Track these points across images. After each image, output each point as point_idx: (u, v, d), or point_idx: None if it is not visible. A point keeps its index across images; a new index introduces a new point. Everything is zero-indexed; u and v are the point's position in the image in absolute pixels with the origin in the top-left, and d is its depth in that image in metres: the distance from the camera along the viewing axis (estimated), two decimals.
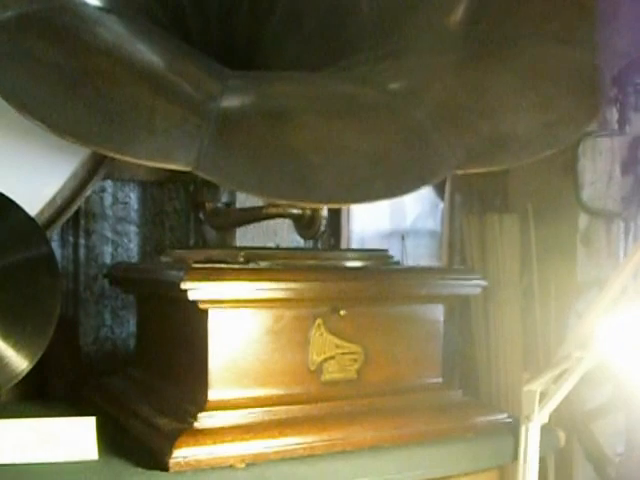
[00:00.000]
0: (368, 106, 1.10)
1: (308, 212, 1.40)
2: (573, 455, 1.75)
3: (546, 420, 1.26)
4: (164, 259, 1.37)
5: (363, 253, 1.39)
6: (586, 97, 1.12)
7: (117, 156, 0.91)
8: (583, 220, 1.83)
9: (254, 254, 1.25)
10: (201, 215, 1.56)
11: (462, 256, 1.96)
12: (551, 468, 1.66)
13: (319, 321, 1.25)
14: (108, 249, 1.70)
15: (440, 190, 1.95)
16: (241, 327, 1.20)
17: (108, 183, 1.68)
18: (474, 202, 2.00)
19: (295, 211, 1.41)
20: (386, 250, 1.43)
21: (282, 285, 1.20)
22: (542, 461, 1.39)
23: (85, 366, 1.61)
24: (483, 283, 1.37)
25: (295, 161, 0.96)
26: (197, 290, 1.13)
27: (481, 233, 1.93)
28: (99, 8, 1.07)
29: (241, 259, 1.23)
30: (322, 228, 1.40)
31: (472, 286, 1.37)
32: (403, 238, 1.86)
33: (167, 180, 1.73)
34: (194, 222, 1.76)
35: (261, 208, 1.53)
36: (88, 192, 1.57)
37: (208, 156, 0.90)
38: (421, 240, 1.94)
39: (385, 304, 1.31)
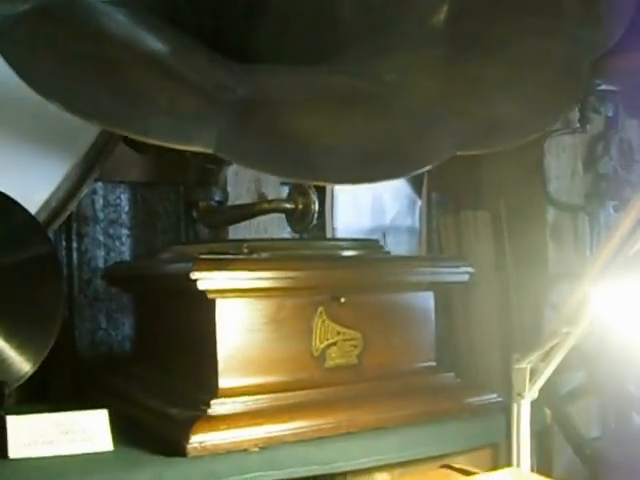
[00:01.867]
0: (368, 95, 1.12)
1: (300, 206, 1.40)
2: (553, 437, 1.77)
3: (536, 396, 1.28)
4: (164, 255, 1.36)
5: (357, 242, 1.41)
6: (565, 87, 1.16)
7: (142, 138, 0.91)
8: (551, 215, 1.87)
9: (257, 245, 1.26)
10: (194, 214, 1.55)
11: (440, 253, 1.98)
12: (532, 450, 1.68)
13: (321, 309, 1.26)
14: (101, 252, 1.68)
15: (418, 188, 1.97)
16: (247, 316, 1.20)
17: (99, 185, 1.66)
18: (449, 200, 2.03)
19: (288, 205, 1.41)
20: (377, 240, 1.44)
21: (287, 274, 1.21)
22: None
23: (83, 369, 1.59)
24: (471, 270, 1.39)
25: (307, 145, 0.98)
26: (206, 280, 1.14)
27: (457, 230, 1.96)
28: (107, 2, 1.07)
29: (245, 250, 1.23)
30: (314, 221, 1.40)
31: (461, 273, 1.39)
32: (384, 235, 1.86)
33: (157, 181, 1.72)
34: (185, 222, 1.75)
35: (254, 204, 1.53)
36: (83, 194, 1.55)
37: (227, 139, 0.91)
38: (401, 237, 1.95)
39: (381, 291, 1.33)
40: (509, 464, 1.32)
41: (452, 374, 1.39)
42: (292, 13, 1.37)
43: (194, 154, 1.44)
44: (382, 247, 1.42)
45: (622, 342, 1.30)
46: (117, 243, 1.70)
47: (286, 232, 1.77)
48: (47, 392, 1.50)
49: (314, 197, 1.40)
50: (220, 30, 1.33)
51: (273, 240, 1.39)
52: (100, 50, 0.95)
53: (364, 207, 1.93)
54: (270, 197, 1.74)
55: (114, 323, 1.69)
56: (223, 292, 1.16)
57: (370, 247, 1.39)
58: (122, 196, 1.70)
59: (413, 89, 1.10)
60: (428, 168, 0.99)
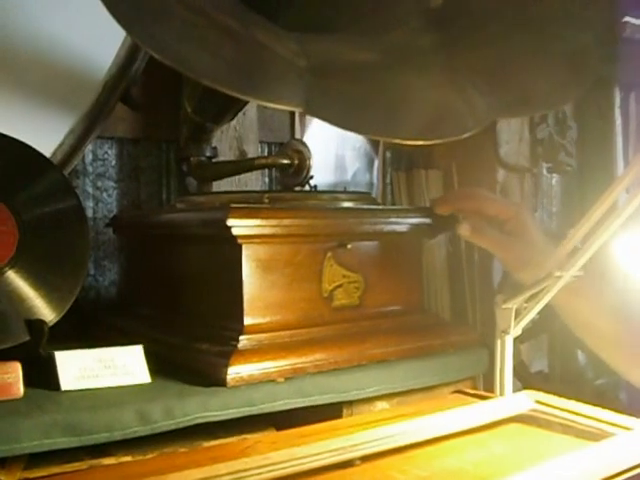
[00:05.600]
0: (411, 63, 1.19)
1: (296, 162, 1.48)
2: None
3: (519, 333, 1.40)
4: (179, 205, 1.41)
5: (354, 194, 1.48)
6: (580, 65, 1.26)
7: (241, 97, 0.96)
8: (501, 175, 2.01)
9: (275, 196, 1.33)
10: (184, 167, 1.61)
11: (392, 205, 2.09)
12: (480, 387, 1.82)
13: (330, 254, 1.33)
14: (89, 204, 1.70)
15: (376, 147, 2.07)
16: (269, 260, 1.26)
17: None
18: (402, 159, 2.14)
19: (285, 161, 1.48)
20: (369, 192, 1.53)
21: (304, 222, 1.28)
22: (473, 380, 1.54)
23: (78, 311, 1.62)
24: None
25: (384, 103, 1.05)
26: (238, 227, 1.20)
27: (409, 187, 2.07)
28: None
29: (266, 200, 1.30)
30: (309, 176, 1.48)
31: (450, 222, 1.49)
32: (345, 189, 1.96)
33: (142, 138, 1.75)
34: (166, 176, 1.79)
35: (252, 159, 1.60)
36: (86, 149, 1.58)
37: (313, 99, 0.97)
38: None
39: (380, 238, 1.41)
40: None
41: (436, 314, 1.50)
42: None
43: (195, 112, 1.50)
44: (375, 199, 1.51)
45: None
46: (105, 195, 1.72)
47: (262, 186, 1.85)
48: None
49: (309, 153, 1.48)
50: None
51: (286, 192, 1.45)
52: (206, 19, 1.00)
53: (328, 165, 2.02)
54: (250, 154, 1.80)
55: (101, 270, 1.72)
56: (250, 238, 1.22)
57: (366, 199, 1.47)
58: (109, 151, 1.73)
59: (445, 62, 1.18)
60: (469, 134, 1.07)
